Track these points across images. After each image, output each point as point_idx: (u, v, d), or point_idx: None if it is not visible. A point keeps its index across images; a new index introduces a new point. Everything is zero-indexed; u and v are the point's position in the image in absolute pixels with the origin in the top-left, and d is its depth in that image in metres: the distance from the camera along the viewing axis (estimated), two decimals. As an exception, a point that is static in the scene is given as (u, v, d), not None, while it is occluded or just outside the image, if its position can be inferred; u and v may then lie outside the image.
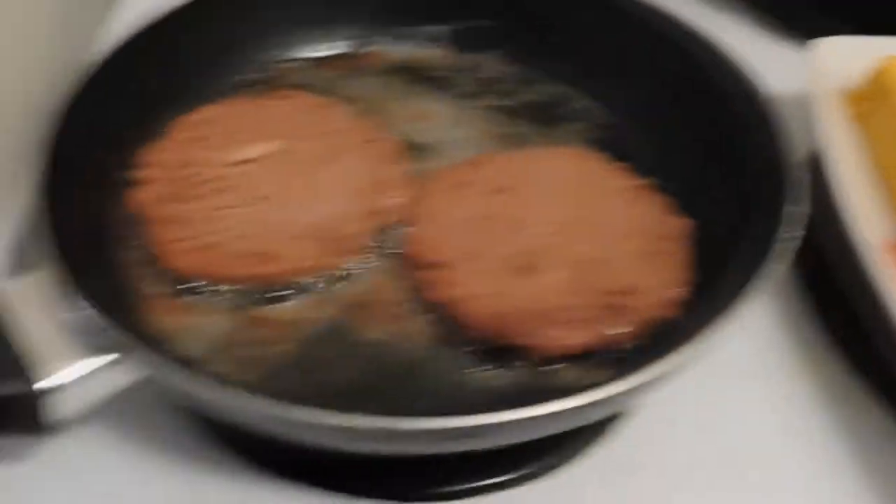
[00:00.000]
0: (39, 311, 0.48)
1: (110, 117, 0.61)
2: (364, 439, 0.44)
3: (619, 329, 0.53)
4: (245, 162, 0.61)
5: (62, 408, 0.46)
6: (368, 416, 0.42)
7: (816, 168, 0.63)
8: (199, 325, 0.54)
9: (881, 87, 0.66)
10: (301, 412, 0.43)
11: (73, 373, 0.46)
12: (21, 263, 0.61)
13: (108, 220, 0.59)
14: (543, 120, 0.68)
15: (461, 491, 0.52)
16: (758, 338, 0.61)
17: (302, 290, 0.56)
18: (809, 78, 0.68)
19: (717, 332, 0.47)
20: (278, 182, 0.60)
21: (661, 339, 0.52)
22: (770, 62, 0.69)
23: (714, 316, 0.47)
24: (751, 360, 0.60)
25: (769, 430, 0.57)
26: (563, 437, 0.50)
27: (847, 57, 0.69)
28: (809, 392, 0.59)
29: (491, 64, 0.72)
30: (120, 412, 0.53)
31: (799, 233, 0.51)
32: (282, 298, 0.56)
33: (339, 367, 0.53)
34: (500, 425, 0.42)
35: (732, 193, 0.58)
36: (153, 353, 0.46)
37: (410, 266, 0.57)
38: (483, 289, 0.54)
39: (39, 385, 0.45)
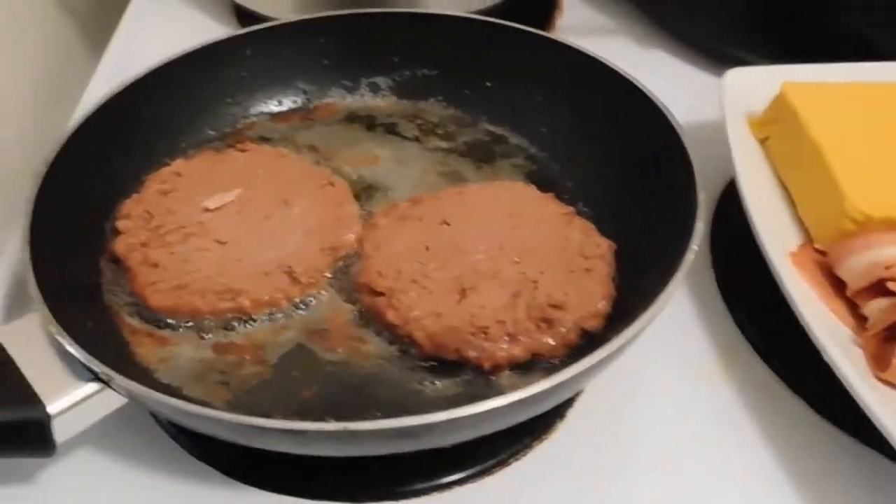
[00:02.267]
0: (36, 347, 0.54)
1: (90, 174, 0.68)
2: (325, 442, 0.49)
3: (551, 340, 0.59)
4: (212, 210, 0.67)
5: (65, 430, 0.52)
6: (327, 422, 0.48)
7: (734, 191, 0.69)
8: (176, 354, 0.60)
9: (780, 111, 0.73)
10: (265, 422, 0.48)
11: (71, 399, 0.52)
12: (19, 306, 0.67)
13: (92, 266, 0.65)
14: (481, 157, 0.75)
15: (416, 490, 0.58)
16: (679, 338, 0.67)
17: (267, 319, 0.62)
18: (723, 105, 0.74)
19: (630, 338, 0.52)
20: (242, 226, 0.66)
21: (589, 348, 0.58)
22: (694, 92, 0.76)
23: (627, 325, 0.53)
24: (676, 362, 0.65)
25: (693, 424, 0.62)
26: (508, 436, 0.56)
27: (756, 85, 0.75)
28: (728, 389, 0.64)
29: (432, 109, 0.79)
30: (106, 435, 0.59)
31: (696, 246, 0.57)
32: (249, 327, 0.62)
33: (303, 385, 0.58)
34: (444, 423, 0.48)
35: (646, 214, 0.65)
36: (132, 381, 0.51)
37: (364, 293, 0.62)
38: (428, 310, 0.59)
39: (50, 409, 0.51)
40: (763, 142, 0.75)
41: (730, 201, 0.73)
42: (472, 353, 0.58)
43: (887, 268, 0.62)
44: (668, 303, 0.54)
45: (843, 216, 0.64)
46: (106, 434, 0.58)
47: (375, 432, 0.48)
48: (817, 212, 0.68)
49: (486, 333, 0.58)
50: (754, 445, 0.61)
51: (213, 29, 0.97)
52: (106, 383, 0.52)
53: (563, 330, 0.59)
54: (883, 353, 0.60)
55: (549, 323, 0.59)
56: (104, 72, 0.92)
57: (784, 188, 0.72)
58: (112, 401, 0.53)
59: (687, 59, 0.93)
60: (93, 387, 0.53)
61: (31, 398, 0.52)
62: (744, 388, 0.64)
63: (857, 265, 0.63)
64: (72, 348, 0.52)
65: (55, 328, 0.53)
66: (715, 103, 0.74)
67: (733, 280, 0.71)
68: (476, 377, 0.58)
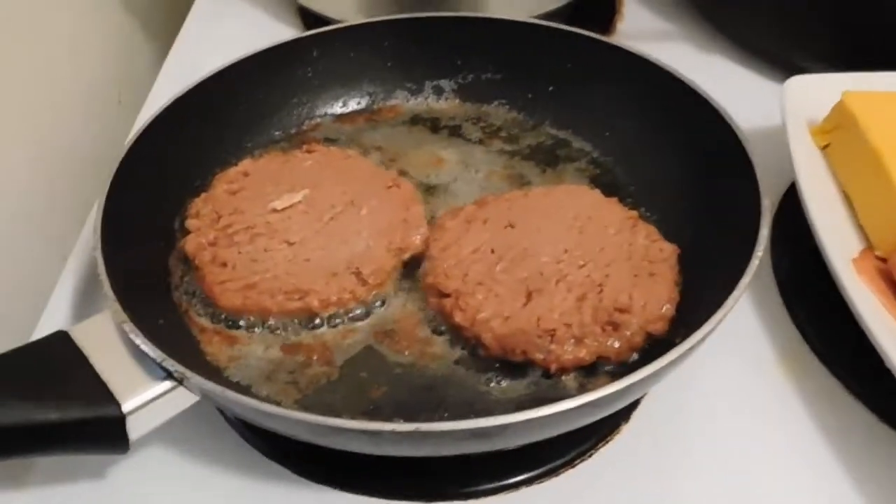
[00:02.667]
0: (109, 345, 0.55)
1: (160, 173, 0.69)
2: (397, 442, 0.50)
3: (616, 343, 0.59)
4: (279, 210, 0.68)
5: (139, 428, 0.54)
6: (401, 423, 0.49)
7: (796, 193, 0.69)
8: (246, 353, 0.62)
9: (840, 119, 0.73)
10: (341, 422, 0.49)
11: (145, 397, 0.53)
12: (89, 304, 0.69)
13: (163, 264, 0.66)
14: (545, 161, 0.75)
15: (484, 490, 0.58)
16: (740, 342, 0.67)
17: (336, 320, 0.63)
18: (783, 113, 0.74)
19: (697, 342, 0.53)
20: (310, 226, 0.67)
21: (654, 351, 0.59)
22: (754, 98, 0.76)
23: (695, 329, 0.53)
24: (737, 366, 0.66)
25: (754, 426, 0.62)
26: (574, 437, 0.57)
27: (817, 93, 0.75)
28: (789, 393, 0.64)
29: (496, 112, 0.80)
30: (176, 433, 0.60)
31: (761, 252, 0.57)
32: (318, 328, 0.63)
33: (371, 385, 0.59)
34: (516, 425, 0.49)
35: (709, 219, 0.65)
36: (206, 380, 0.52)
37: (431, 295, 0.63)
38: (495, 312, 0.60)
39: (125, 408, 0.52)
40: (824, 149, 0.75)
41: (790, 206, 0.74)
42: (538, 356, 0.58)
43: (948, 276, 0.62)
44: (733, 309, 0.55)
45: (904, 223, 0.65)
46: (176, 432, 0.59)
47: (448, 433, 0.49)
48: (878, 218, 0.68)
49: (552, 336, 0.59)
50: (815, 450, 0.61)
51: (277, 30, 0.99)
52: (179, 381, 0.54)
53: (629, 333, 0.59)
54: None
55: (614, 326, 0.59)
56: (168, 72, 0.93)
57: (844, 195, 0.72)
58: (185, 399, 0.55)
59: (747, 66, 0.93)
60: (166, 385, 0.54)
61: (105, 396, 0.53)
62: (804, 392, 0.64)
63: (919, 272, 0.63)
64: (146, 346, 0.53)
65: (129, 326, 0.54)
66: (774, 110, 0.75)
67: (794, 284, 0.71)
68: (542, 379, 0.59)
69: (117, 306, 0.56)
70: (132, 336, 0.54)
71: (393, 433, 0.49)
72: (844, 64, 0.79)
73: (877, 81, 0.75)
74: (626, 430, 0.62)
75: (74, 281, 0.71)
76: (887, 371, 0.57)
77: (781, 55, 0.90)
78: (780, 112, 0.74)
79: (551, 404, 0.49)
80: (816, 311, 0.69)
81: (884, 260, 0.66)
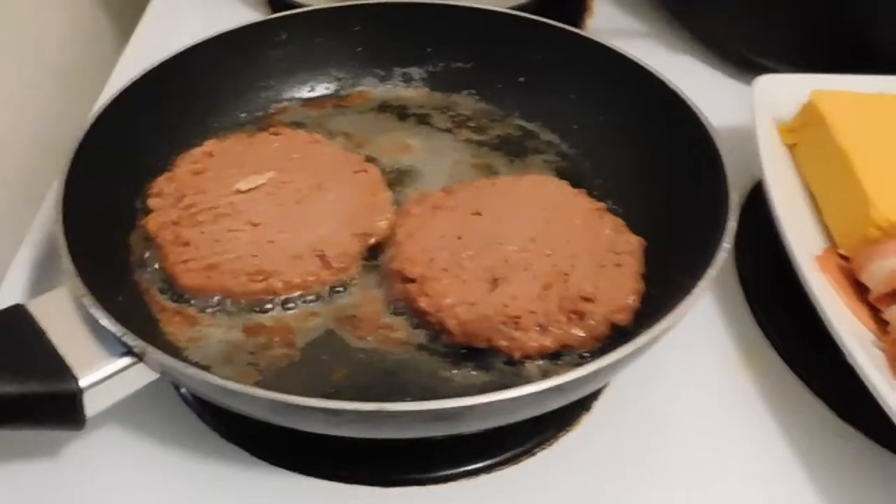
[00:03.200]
0: (68, 320, 0.54)
1: (122, 150, 0.68)
2: (359, 422, 0.50)
3: (580, 332, 0.59)
4: (244, 191, 0.67)
5: (95, 404, 0.52)
6: (364, 403, 0.48)
7: (761, 192, 0.69)
8: (206, 334, 0.60)
9: (809, 119, 0.73)
10: (302, 400, 0.48)
11: (103, 373, 0.52)
12: (46, 279, 0.68)
13: (124, 242, 0.65)
14: (512, 152, 0.75)
15: (444, 476, 0.58)
16: (703, 336, 0.67)
17: (298, 303, 0.62)
18: (753, 110, 0.75)
19: (659, 333, 0.53)
20: (275, 209, 0.66)
21: (618, 341, 0.59)
22: (723, 97, 0.76)
23: (658, 320, 0.53)
24: (699, 362, 0.66)
25: (715, 422, 0.62)
26: (535, 426, 0.57)
27: (785, 92, 0.76)
28: (750, 389, 0.64)
29: (465, 102, 0.79)
30: (133, 411, 0.59)
31: (728, 244, 0.57)
32: (280, 311, 0.62)
33: (333, 368, 0.59)
34: (478, 407, 0.48)
35: (676, 213, 0.65)
36: (167, 356, 0.52)
37: (396, 280, 0.62)
38: (460, 298, 0.59)
39: (82, 383, 0.51)
40: (791, 147, 0.75)
41: (754, 205, 0.74)
42: (502, 342, 0.58)
43: (910, 274, 0.62)
44: (698, 301, 0.54)
45: (868, 222, 0.65)
46: (133, 410, 0.58)
47: (411, 413, 0.48)
48: (842, 217, 0.69)
49: (517, 323, 0.58)
50: (775, 446, 0.61)
51: (244, 13, 0.98)
52: (139, 357, 0.53)
53: (593, 322, 0.59)
54: (905, 358, 0.60)
55: (579, 315, 0.59)
56: (131, 55, 0.92)
57: (810, 193, 0.72)
58: (144, 376, 0.53)
59: (716, 66, 0.94)
60: (125, 360, 0.53)
61: (63, 371, 0.52)
62: (765, 388, 0.64)
63: (880, 271, 0.64)
64: (106, 320, 0.52)
65: (89, 300, 0.53)
66: (742, 110, 0.75)
67: (757, 281, 0.72)
68: (505, 366, 0.59)
69: (77, 280, 0.55)
70: (92, 310, 0.53)
71: (354, 412, 0.48)
72: (812, 67, 0.79)
73: (845, 82, 0.76)
74: (587, 420, 0.61)
75: (33, 255, 0.70)
76: (849, 369, 0.57)
77: (750, 57, 0.91)
78: (748, 111, 0.75)
79: (515, 388, 0.49)
80: (778, 309, 0.69)
81: (847, 258, 0.66)
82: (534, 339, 0.58)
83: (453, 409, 0.48)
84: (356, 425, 0.50)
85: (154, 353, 0.51)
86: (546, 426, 0.60)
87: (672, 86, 0.70)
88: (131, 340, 0.52)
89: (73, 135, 0.64)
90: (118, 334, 0.52)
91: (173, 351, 0.59)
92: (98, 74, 0.89)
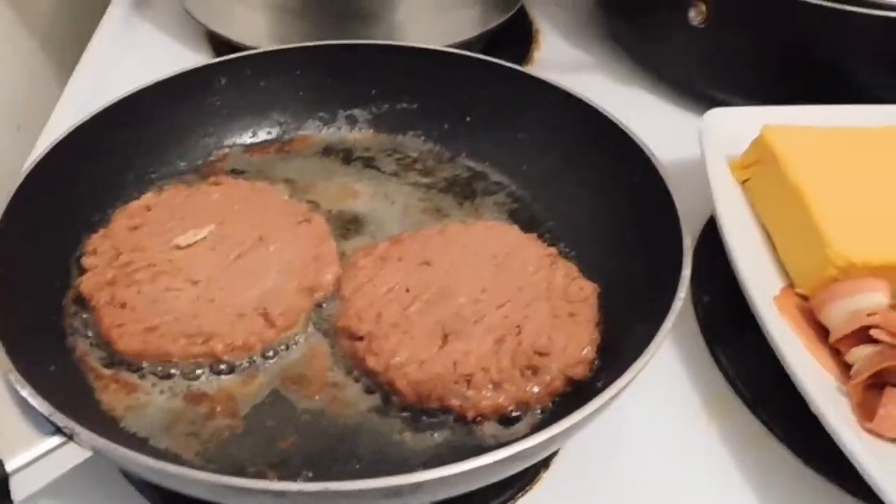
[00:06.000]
0: (-9, 397, 0.51)
1: (56, 207, 0.65)
2: (306, 501, 0.47)
3: (536, 388, 0.57)
4: (183, 247, 0.64)
5: (24, 487, 0.49)
6: (308, 483, 0.46)
7: (715, 226, 0.68)
8: (144, 402, 0.58)
9: (760, 154, 0.72)
10: (242, 482, 0.46)
11: (31, 454, 0.49)
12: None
13: (56, 306, 0.62)
14: (462, 194, 0.73)
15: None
16: (663, 384, 0.66)
17: (242, 364, 0.60)
18: (702, 147, 0.73)
19: (618, 391, 0.51)
20: (215, 264, 0.63)
21: (575, 395, 0.57)
22: (673, 131, 0.75)
23: (618, 375, 0.51)
24: (660, 409, 0.64)
25: (678, 472, 0.61)
26: (492, 488, 0.54)
27: (736, 126, 0.75)
28: (714, 437, 0.63)
29: (411, 143, 0.77)
30: (68, 489, 0.56)
31: (683, 294, 0.55)
32: (222, 373, 0.59)
33: (279, 436, 0.56)
34: (430, 482, 0.46)
35: (630, 257, 0.63)
36: (96, 434, 0.48)
37: (343, 337, 0.60)
38: (410, 356, 0.57)
39: (8, 466, 0.48)
40: (743, 183, 0.74)
41: (709, 239, 0.73)
42: (455, 402, 0.56)
43: (870, 315, 0.62)
44: (656, 352, 0.53)
45: (826, 262, 0.64)
46: (68, 488, 0.55)
47: (358, 492, 0.46)
48: (799, 257, 0.68)
49: (469, 381, 0.56)
50: (741, 496, 0.60)
51: (185, 57, 0.95)
52: (69, 437, 0.50)
53: (548, 378, 0.57)
54: (868, 402, 0.59)
55: (534, 370, 0.57)
56: (70, 99, 0.89)
57: (765, 230, 0.71)
58: (75, 454, 0.50)
59: (666, 98, 0.93)
60: (55, 440, 0.50)
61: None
62: (730, 437, 0.63)
63: (840, 312, 0.63)
64: (32, 399, 0.49)
65: (14, 376, 0.50)
66: (692, 143, 0.74)
67: (715, 322, 0.70)
68: (458, 426, 0.57)
69: (2, 353, 0.52)
70: (17, 387, 0.50)
71: (300, 493, 0.46)
72: (765, 97, 0.79)
73: (796, 115, 0.75)
74: (547, 478, 0.59)
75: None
76: (812, 414, 0.56)
77: (700, 88, 0.90)
78: (698, 145, 0.73)
79: (467, 460, 0.46)
80: (739, 351, 0.68)
81: (805, 298, 0.65)
82: (487, 398, 0.56)
83: (403, 486, 0.45)
84: (302, 504, 0.48)
85: (83, 433, 0.48)
86: (504, 488, 0.58)
87: (618, 123, 0.69)
88: (60, 420, 0.49)
89: (7, 189, 0.62)
90: (46, 413, 0.49)
91: (110, 422, 0.56)
92: (38, 118, 0.86)
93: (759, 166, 0.73)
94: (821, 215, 0.66)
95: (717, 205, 0.69)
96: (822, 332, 0.64)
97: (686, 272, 0.57)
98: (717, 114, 0.76)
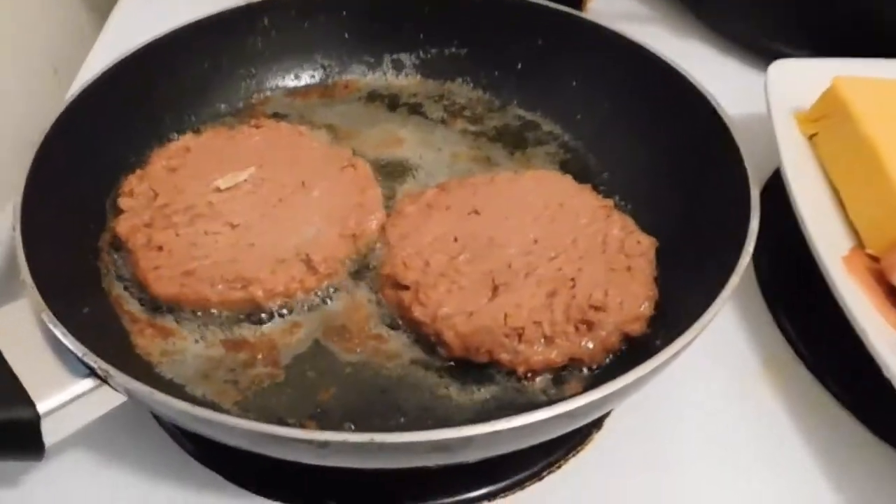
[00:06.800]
0: (26, 337, 0.49)
1: (92, 146, 0.63)
2: (347, 454, 0.44)
3: (591, 344, 0.54)
4: (223, 190, 0.62)
5: (56, 431, 0.47)
6: (352, 433, 0.43)
7: (779, 184, 0.65)
8: (181, 348, 0.55)
9: (830, 107, 0.68)
10: (283, 430, 0.43)
11: (63, 397, 0.47)
12: (7, 291, 0.62)
13: (91, 247, 0.60)
14: (512, 143, 0.70)
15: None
16: (721, 345, 0.63)
17: (281, 313, 0.57)
18: (768, 100, 0.70)
19: (681, 348, 0.48)
20: (256, 209, 0.61)
21: (631, 353, 0.54)
22: (733, 85, 0.71)
23: (678, 333, 0.48)
24: (717, 370, 0.61)
25: (735, 435, 0.58)
26: (542, 448, 0.51)
27: (802, 79, 0.71)
28: (772, 399, 0.60)
29: (459, 90, 0.74)
30: (101, 435, 0.54)
31: (752, 248, 0.52)
32: (262, 322, 0.57)
33: (319, 387, 0.54)
34: (480, 437, 0.43)
35: (690, 211, 0.60)
36: (133, 380, 0.46)
37: (388, 286, 0.58)
38: (458, 308, 0.55)
39: (40, 408, 0.46)
40: (811, 138, 0.70)
41: (770, 197, 0.69)
42: (505, 357, 0.53)
43: (944, 276, 0.58)
44: (720, 310, 0.50)
45: (900, 220, 0.60)
46: (101, 434, 0.53)
47: (405, 445, 0.43)
48: (870, 215, 0.64)
49: (520, 335, 0.54)
50: (800, 461, 0.57)
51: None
52: (103, 380, 0.48)
53: (604, 333, 0.54)
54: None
55: (588, 325, 0.55)
56: (106, 41, 0.87)
57: (833, 187, 0.67)
58: (109, 399, 0.48)
59: (726, 52, 0.89)
60: (88, 383, 0.48)
61: (19, 396, 0.47)
62: (789, 400, 0.60)
63: (913, 273, 0.59)
64: (66, 339, 0.47)
65: (48, 316, 0.48)
66: (754, 98, 0.70)
67: (777, 282, 0.67)
68: (507, 382, 0.54)
69: (36, 293, 0.49)
70: (51, 327, 0.48)
71: (343, 444, 0.43)
72: (830, 51, 0.75)
73: (867, 68, 0.71)
74: (599, 439, 0.57)
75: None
76: (877, 378, 0.53)
77: (763, 41, 0.86)
78: (762, 100, 0.70)
79: (520, 415, 0.43)
80: (801, 313, 0.65)
81: (876, 259, 0.61)
82: (539, 353, 0.54)
83: (451, 440, 0.43)
84: (343, 456, 0.45)
85: (118, 375, 0.46)
86: (555, 447, 0.55)
87: (682, 70, 0.65)
88: (93, 361, 0.46)
89: (35, 134, 0.59)
90: (79, 354, 0.47)
91: (144, 367, 0.54)
92: (74, 63, 0.83)
93: (828, 120, 0.69)
94: (895, 171, 0.62)
95: (784, 161, 0.65)
96: (893, 294, 0.60)
97: (754, 224, 0.54)
98: (784, 66, 0.72)
